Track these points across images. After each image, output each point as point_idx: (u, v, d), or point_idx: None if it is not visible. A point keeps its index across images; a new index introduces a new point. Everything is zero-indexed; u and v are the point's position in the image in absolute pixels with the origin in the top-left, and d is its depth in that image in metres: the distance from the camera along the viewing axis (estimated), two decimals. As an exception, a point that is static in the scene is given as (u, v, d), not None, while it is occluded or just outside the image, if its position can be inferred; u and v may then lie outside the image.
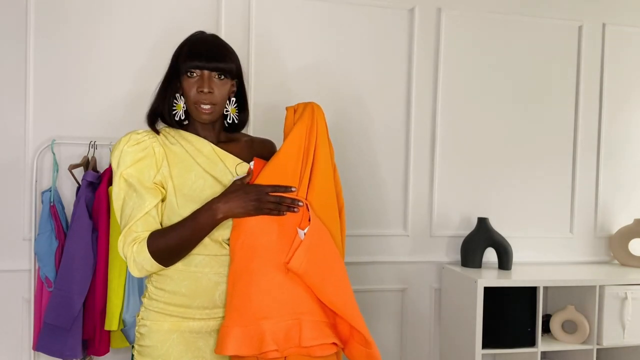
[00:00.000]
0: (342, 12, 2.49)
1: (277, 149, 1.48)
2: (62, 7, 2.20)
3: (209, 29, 2.34)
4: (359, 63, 2.52)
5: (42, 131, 2.19)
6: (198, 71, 1.35)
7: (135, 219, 1.29)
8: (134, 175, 1.33)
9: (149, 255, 1.27)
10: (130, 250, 1.29)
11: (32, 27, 2.17)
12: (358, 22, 2.52)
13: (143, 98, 2.22)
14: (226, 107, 1.42)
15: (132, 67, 2.26)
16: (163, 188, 1.35)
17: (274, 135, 1.60)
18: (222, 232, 1.34)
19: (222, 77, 1.37)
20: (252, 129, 2.22)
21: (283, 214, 1.32)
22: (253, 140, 1.54)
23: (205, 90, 1.33)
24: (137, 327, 1.39)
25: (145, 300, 1.40)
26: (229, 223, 1.34)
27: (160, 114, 1.41)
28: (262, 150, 1.51)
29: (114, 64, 2.25)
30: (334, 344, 1.36)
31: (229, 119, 1.44)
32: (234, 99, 1.44)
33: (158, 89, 1.42)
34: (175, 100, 1.40)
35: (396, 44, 2.57)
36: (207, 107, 1.35)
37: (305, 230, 1.31)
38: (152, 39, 2.28)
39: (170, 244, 1.28)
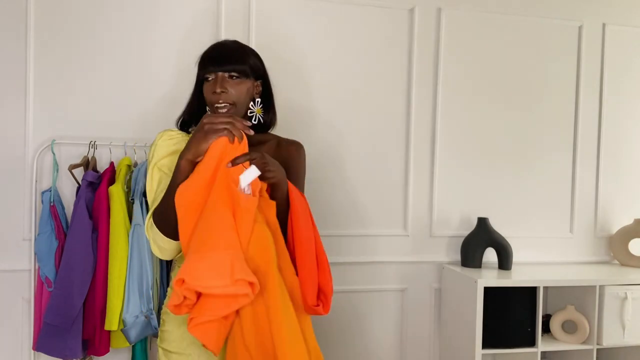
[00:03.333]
0: (342, 12, 2.49)
1: (304, 151, 1.50)
2: (62, 6, 2.20)
3: (209, 29, 2.35)
4: (359, 63, 2.52)
5: (42, 131, 2.19)
6: (213, 75, 1.39)
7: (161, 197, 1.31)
8: (168, 166, 1.37)
9: (156, 227, 1.28)
10: (147, 229, 1.32)
11: (32, 26, 2.17)
12: (358, 22, 2.52)
13: (143, 98, 2.23)
14: (251, 108, 1.44)
15: (132, 67, 2.26)
16: None
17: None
18: None
19: (236, 77, 1.39)
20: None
21: (234, 137, 1.24)
22: (280, 142, 1.53)
23: (218, 90, 1.36)
24: (161, 315, 1.48)
25: (169, 290, 1.48)
26: None
27: (189, 124, 1.48)
28: (288, 151, 1.49)
29: (114, 64, 2.25)
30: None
31: (255, 120, 1.46)
32: (259, 99, 1.47)
33: (188, 100, 1.49)
34: (207, 110, 1.44)
35: (396, 44, 2.57)
36: (223, 107, 1.37)
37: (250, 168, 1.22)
38: (152, 38, 2.28)
39: (164, 207, 1.27)
